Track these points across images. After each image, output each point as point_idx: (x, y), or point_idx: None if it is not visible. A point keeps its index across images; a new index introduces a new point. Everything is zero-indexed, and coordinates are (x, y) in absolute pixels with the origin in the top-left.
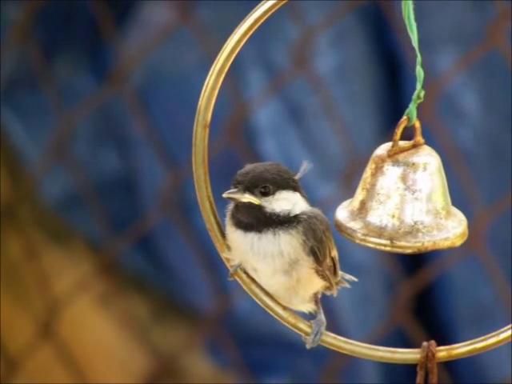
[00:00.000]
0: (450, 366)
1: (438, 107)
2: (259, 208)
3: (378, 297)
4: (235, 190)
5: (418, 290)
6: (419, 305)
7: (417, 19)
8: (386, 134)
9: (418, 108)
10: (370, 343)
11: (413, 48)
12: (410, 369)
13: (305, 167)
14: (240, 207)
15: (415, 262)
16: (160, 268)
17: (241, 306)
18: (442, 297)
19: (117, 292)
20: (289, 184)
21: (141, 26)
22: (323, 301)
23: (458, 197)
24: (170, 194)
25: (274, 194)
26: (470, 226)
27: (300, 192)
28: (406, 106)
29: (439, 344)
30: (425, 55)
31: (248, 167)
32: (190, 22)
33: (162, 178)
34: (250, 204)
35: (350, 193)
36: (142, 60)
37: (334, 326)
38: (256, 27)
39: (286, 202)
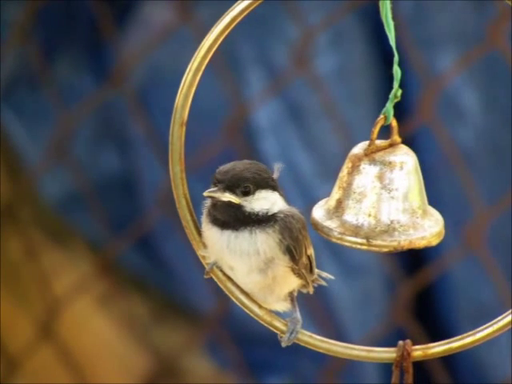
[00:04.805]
0: (450, 365)
1: (438, 107)
2: (238, 207)
3: (378, 297)
4: (215, 188)
5: (418, 290)
6: (419, 304)
7: (417, 19)
8: (386, 134)
9: (418, 108)
10: (370, 343)
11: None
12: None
13: (278, 167)
14: (218, 206)
15: (415, 262)
16: (160, 268)
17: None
18: (442, 297)
19: (117, 292)
20: (268, 183)
21: (141, 26)
22: (323, 300)
23: (458, 197)
24: (169, 194)
25: (253, 193)
26: (469, 226)
27: (278, 191)
28: (405, 106)
29: None
30: (425, 55)
31: (227, 166)
32: (190, 22)
33: (161, 177)
34: (229, 203)
35: None
36: (142, 60)
37: (333, 326)
38: (233, 26)
39: (265, 201)
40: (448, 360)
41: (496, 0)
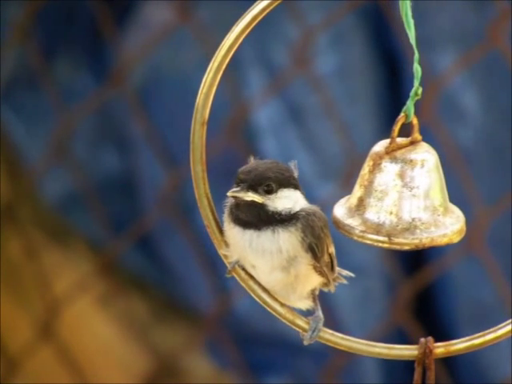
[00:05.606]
0: (450, 365)
1: (438, 107)
2: (262, 206)
3: (378, 297)
4: (238, 188)
5: (418, 290)
6: (419, 304)
7: (417, 19)
8: (386, 134)
9: (419, 107)
10: None
11: (412, 48)
12: (411, 368)
13: (295, 164)
14: (242, 205)
15: (415, 262)
16: (160, 268)
17: (241, 305)
18: (443, 297)
19: (117, 292)
20: (290, 182)
21: (141, 26)
22: (323, 300)
23: (458, 197)
24: (169, 194)
25: (276, 192)
26: (469, 226)
27: (300, 190)
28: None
29: None
30: (425, 55)
31: (249, 165)
32: (190, 22)
33: (161, 177)
34: (252, 202)
35: (350, 192)
36: (142, 60)
37: (334, 326)
38: (254, 25)
39: (288, 199)
40: (448, 360)
41: (496, 0)
